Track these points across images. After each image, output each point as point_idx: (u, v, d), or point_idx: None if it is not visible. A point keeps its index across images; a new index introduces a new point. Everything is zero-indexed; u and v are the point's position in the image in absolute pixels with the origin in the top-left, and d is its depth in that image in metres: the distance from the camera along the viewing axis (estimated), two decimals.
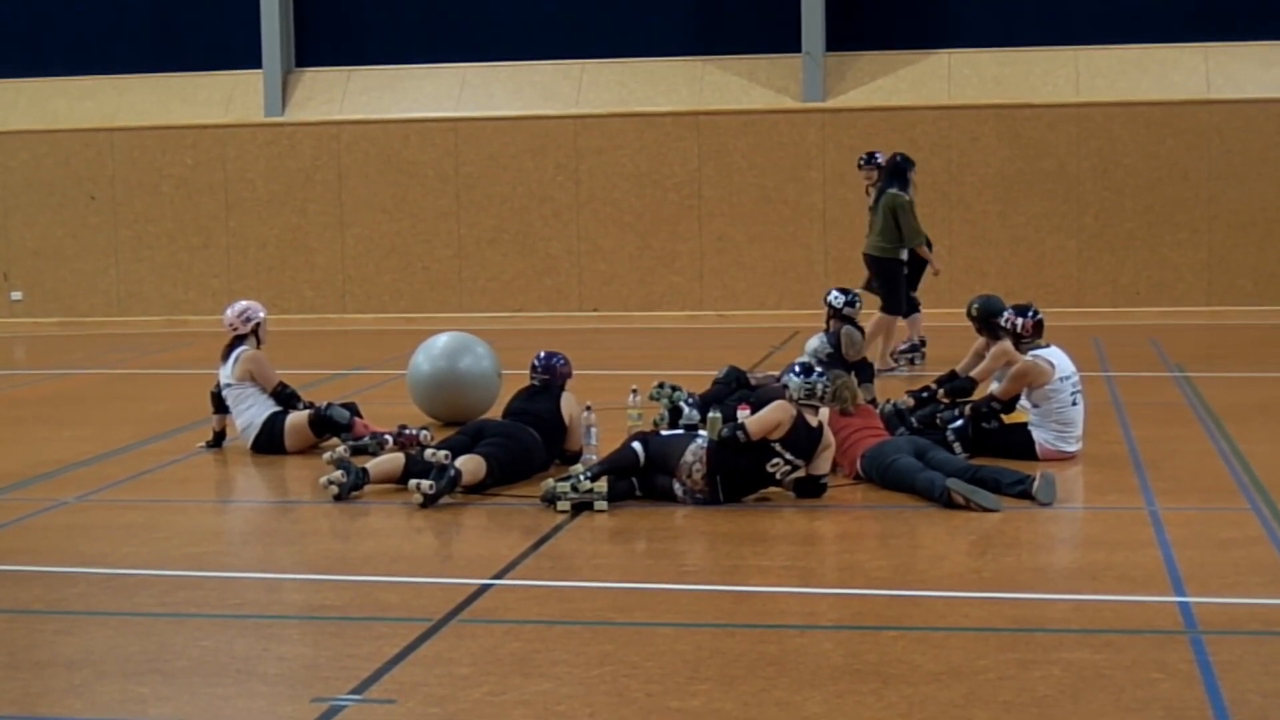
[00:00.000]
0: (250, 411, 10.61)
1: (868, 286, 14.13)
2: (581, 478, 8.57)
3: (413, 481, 8.76)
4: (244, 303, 11.07)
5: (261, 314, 10.93)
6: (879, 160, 14.54)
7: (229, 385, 10.68)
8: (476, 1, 21.07)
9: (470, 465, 8.94)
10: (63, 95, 21.60)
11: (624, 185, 20.36)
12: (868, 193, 14.63)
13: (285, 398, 10.65)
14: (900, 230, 13.96)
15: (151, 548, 7.99)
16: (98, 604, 6.97)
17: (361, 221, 20.84)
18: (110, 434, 11.50)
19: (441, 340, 11.58)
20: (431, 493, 8.66)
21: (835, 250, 19.75)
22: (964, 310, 11.08)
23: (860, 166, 14.92)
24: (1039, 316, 10.12)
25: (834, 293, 11.84)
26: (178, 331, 19.96)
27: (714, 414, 9.55)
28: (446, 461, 8.80)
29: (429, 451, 8.97)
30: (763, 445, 8.63)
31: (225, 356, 10.77)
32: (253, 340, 10.81)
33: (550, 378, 9.86)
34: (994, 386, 10.23)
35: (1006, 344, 10.26)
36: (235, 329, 10.80)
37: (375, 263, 20.86)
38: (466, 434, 9.40)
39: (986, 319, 10.68)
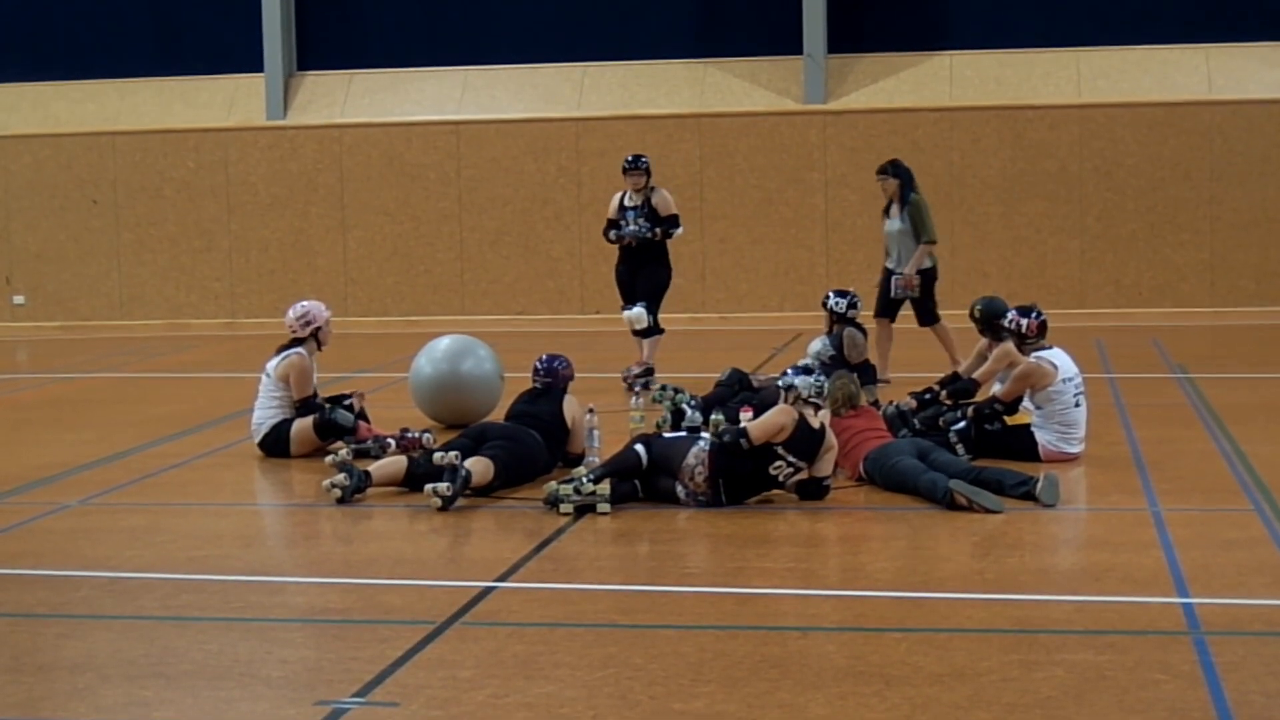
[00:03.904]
0: (269, 411, 10.56)
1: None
2: (584, 480, 8.57)
3: (428, 486, 8.72)
4: (305, 305, 10.84)
5: (321, 317, 10.74)
6: (645, 164, 13.58)
7: (267, 377, 10.64)
8: (478, 4, 21.08)
9: (479, 467, 8.92)
10: (64, 99, 21.61)
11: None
12: (634, 197, 13.50)
13: (307, 409, 10.53)
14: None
15: (154, 551, 8.00)
16: (101, 607, 6.97)
17: (363, 224, 20.85)
18: (113, 437, 11.50)
19: (444, 343, 11.57)
20: (449, 494, 8.65)
21: (837, 252, 19.74)
22: (967, 312, 11.08)
23: (626, 170, 13.57)
24: (1043, 317, 10.11)
25: (833, 297, 11.85)
26: (180, 335, 19.97)
27: (717, 416, 9.55)
28: (456, 462, 8.79)
29: (438, 455, 8.93)
30: (765, 448, 8.61)
31: (278, 351, 10.70)
32: (312, 344, 10.70)
33: (552, 380, 9.84)
34: (997, 388, 10.23)
35: (1009, 345, 10.26)
36: (294, 332, 10.69)
37: (377, 265, 20.87)
38: (469, 437, 9.39)
39: (989, 320, 10.68)
